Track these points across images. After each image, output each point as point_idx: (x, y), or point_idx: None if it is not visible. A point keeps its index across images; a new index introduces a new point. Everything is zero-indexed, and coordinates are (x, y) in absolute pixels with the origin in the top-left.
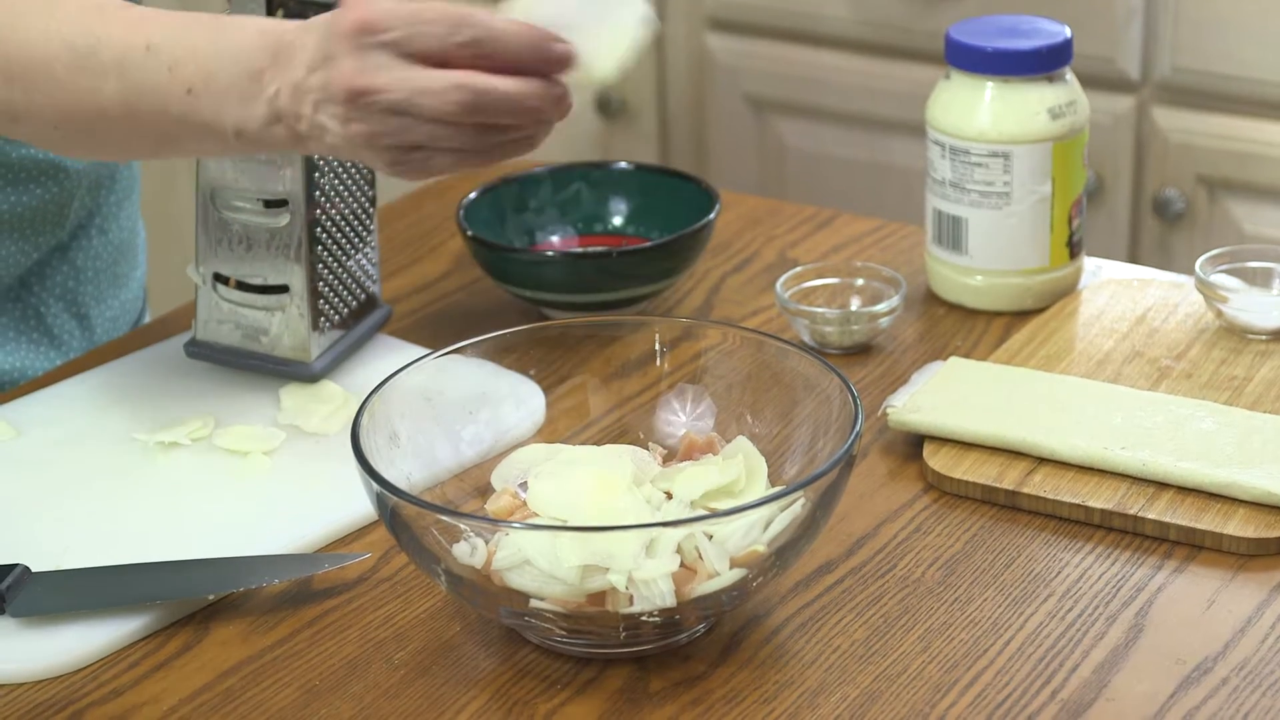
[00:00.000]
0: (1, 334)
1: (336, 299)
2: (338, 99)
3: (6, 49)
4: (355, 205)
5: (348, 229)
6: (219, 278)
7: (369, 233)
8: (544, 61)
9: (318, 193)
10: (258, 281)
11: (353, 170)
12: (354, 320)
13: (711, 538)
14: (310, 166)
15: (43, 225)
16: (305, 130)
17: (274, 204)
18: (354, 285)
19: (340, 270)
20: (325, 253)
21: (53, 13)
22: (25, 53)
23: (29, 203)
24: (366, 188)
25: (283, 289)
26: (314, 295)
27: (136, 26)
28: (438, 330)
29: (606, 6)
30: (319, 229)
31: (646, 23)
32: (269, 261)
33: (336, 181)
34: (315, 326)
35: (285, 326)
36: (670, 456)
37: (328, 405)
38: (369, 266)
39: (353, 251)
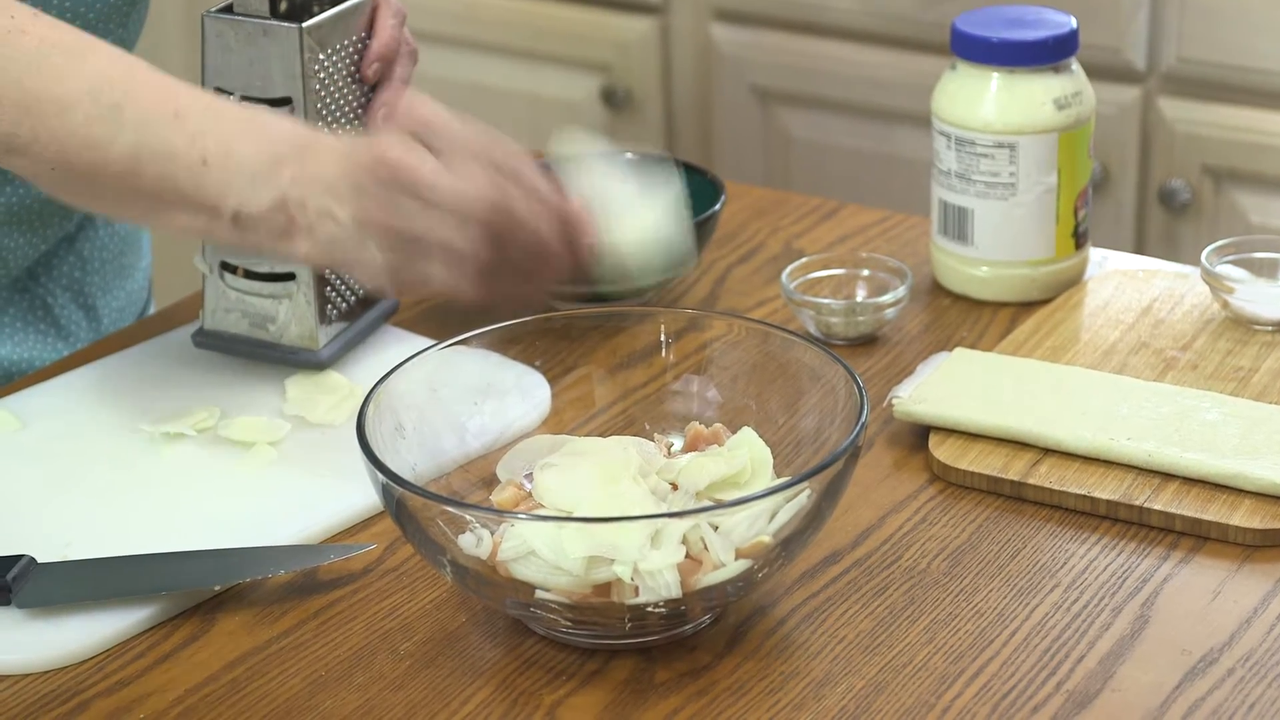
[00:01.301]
0: (9, 325)
1: (344, 287)
2: (364, 168)
3: (28, 83)
4: None
5: None
6: (226, 266)
7: None
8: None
9: None
10: (264, 270)
11: None
12: (361, 310)
13: (717, 529)
14: None
15: (51, 217)
16: (307, 219)
17: None
18: None
19: None
20: None
21: (84, 59)
22: (47, 93)
23: (38, 194)
24: None
25: (289, 277)
26: (320, 283)
27: (167, 93)
28: (443, 321)
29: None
30: None
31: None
32: None
33: None
34: (322, 314)
35: (292, 314)
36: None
37: (333, 396)
38: None
39: None
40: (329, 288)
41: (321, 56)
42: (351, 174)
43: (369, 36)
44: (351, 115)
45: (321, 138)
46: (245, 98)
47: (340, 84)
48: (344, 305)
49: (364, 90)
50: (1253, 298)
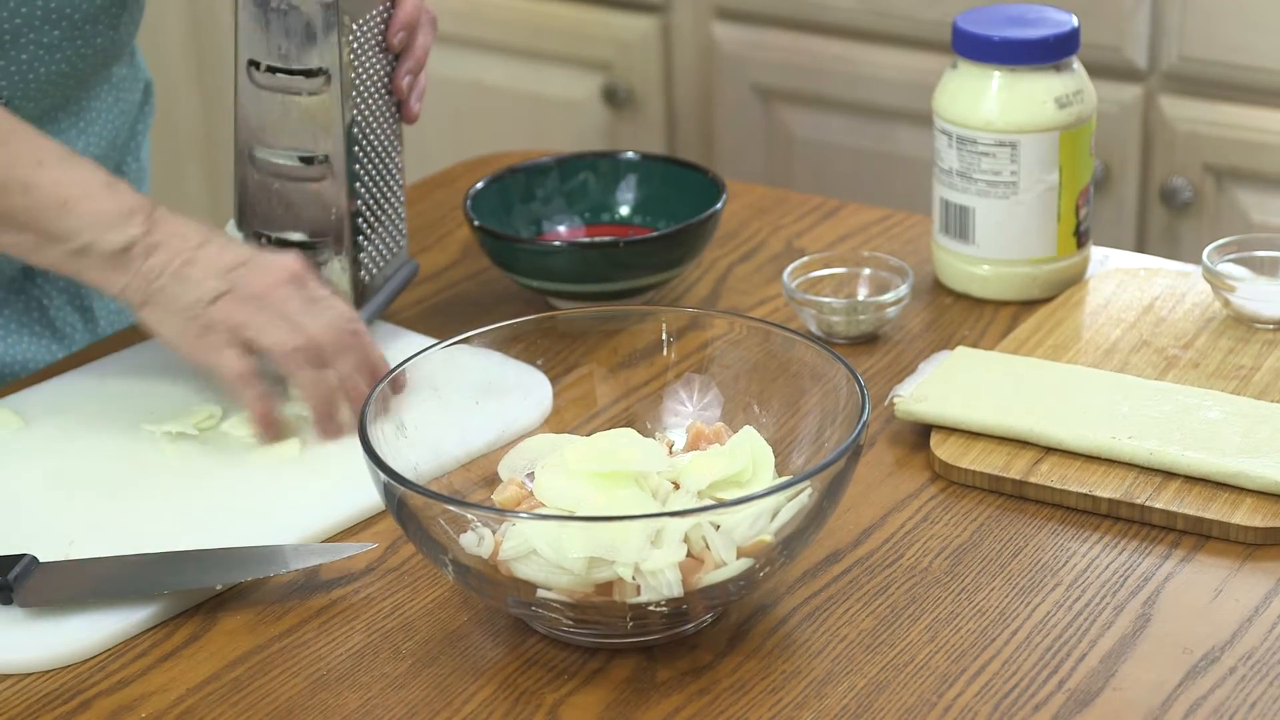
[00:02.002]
0: (4, 326)
1: (375, 250)
2: (231, 275)
3: None
4: (388, 159)
5: (381, 182)
6: (259, 234)
7: (400, 186)
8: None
9: (356, 147)
10: (298, 238)
11: (383, 121)
12: (388, 274)
13: (718, 528)
14: (350, 122)
15: None
16: (148, 265)
17: (313, 160)
18: (388, 237)
19: (376, 223)
20: (363, 205)
21: None
22: None
23: None
24: (396, 142)
25: (323, 244)
26: (355, 248)
27: (35, 144)
28: (445, 320)
29: None
30: (358, 183)
31: None
32: (309, 217)
33: (371, 134)
34: (356, 279)
35: (327, 281)
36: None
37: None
38: (399, 220)
39: (386, 205)
40: (362, 253)
41: (354, 26)
42: (231, 265)
43: (392, 5)
44: (380, 85)
45: (160, 207)
46: (275, 69)
47: (369, 53)
48: (375, 269)
49: (389, 59)
50: (1254, 296)
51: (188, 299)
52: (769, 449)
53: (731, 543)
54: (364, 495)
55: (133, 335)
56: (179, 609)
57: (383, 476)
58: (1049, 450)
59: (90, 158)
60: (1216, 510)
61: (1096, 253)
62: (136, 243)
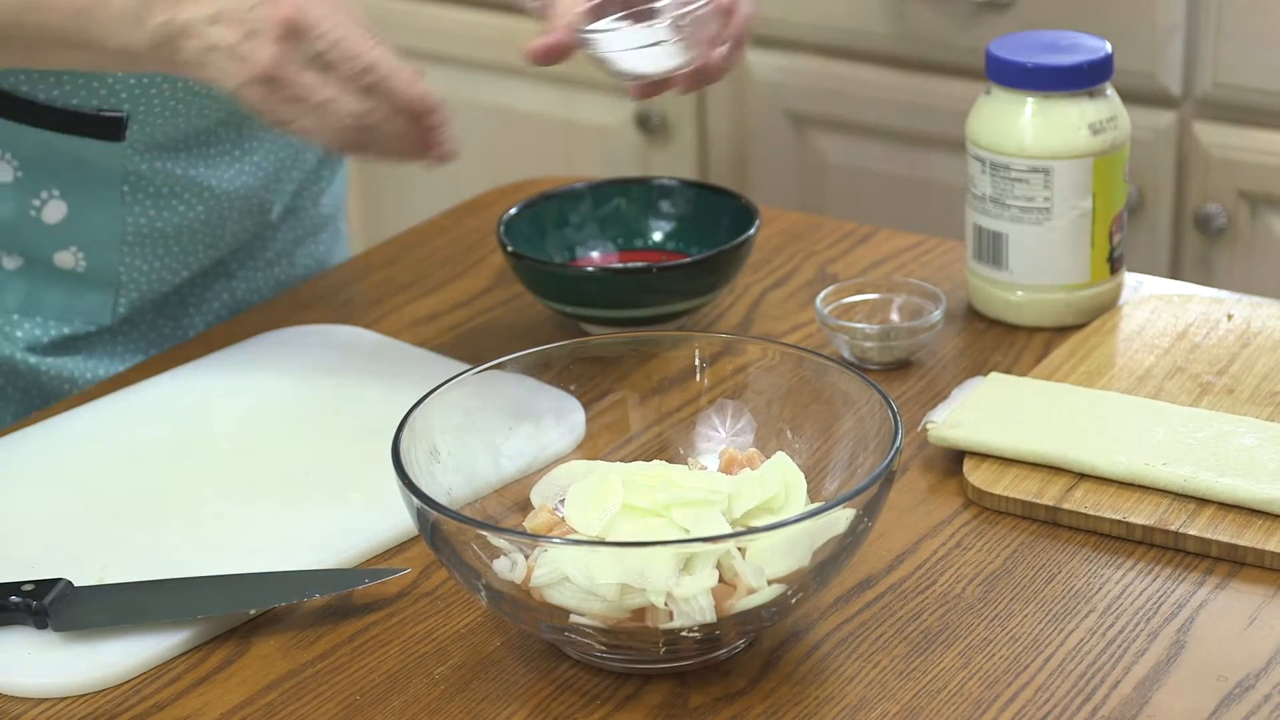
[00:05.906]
0: (144, 348)
1: None
2: (266, 31)
3: None
4: None
5: None
6: None
7: None
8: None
9: None
10: None
11: None
12: None
13: (744, 554)
14: None
15: (191, 244)
16: (185, 59)
17: None
18: None
19: None
20: None
21: None
22: None
23: (170, 219)
24: None
25: None
26: None
27: None
28: (478, 345)
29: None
30: None
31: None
32: None
33: None
34: None
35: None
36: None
37: None
38: None
39: None
40: None
41: None
42: (255, 27)
43: None
44: None
45: None
46: None
47: None
48: None
49: None
50: None
51: (241, 92)
52: (801, 475)
53: (762, 569)
54: (397, 520)
55: (173, 357)
56: (213, 633)
57: (416, 501)
58: (1082, 477)
59: (243, 185)
60: (1251, 537)
61: (1130, 279)
62: (167, 36)
